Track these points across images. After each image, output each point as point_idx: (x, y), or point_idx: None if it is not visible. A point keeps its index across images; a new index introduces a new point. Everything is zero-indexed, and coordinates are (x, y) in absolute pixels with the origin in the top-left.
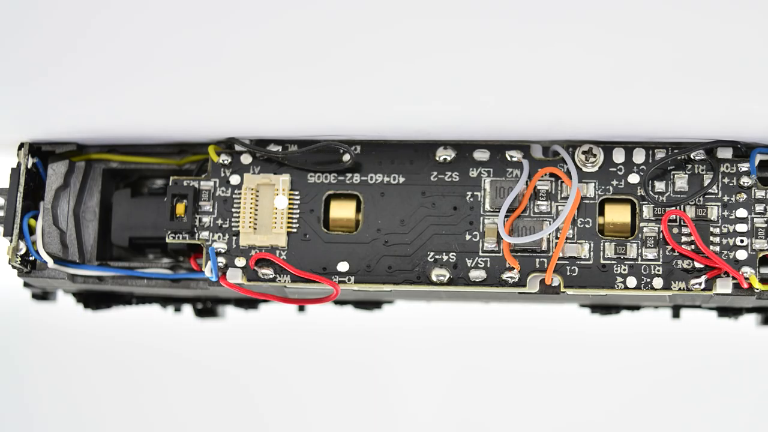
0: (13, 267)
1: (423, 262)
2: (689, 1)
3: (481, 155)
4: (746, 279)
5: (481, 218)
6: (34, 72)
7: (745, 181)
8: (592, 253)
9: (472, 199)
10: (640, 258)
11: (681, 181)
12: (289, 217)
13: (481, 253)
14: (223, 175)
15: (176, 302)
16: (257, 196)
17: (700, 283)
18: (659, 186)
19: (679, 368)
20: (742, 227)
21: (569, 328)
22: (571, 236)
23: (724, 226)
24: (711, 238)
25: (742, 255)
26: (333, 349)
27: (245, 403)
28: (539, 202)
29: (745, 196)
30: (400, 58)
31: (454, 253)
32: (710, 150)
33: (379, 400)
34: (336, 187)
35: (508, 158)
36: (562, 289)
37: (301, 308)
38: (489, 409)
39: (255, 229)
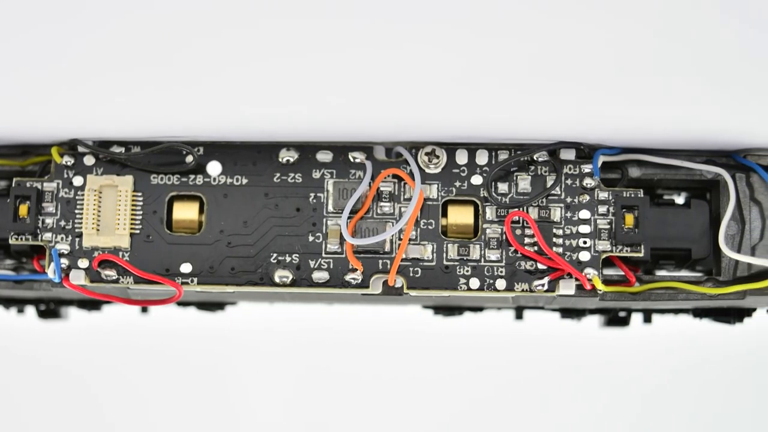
0: None
1: (266, 264)
2: (537, 1)
3: (324, 156)
4: (589, 280)
5: (324, 219)
6: None
7: (588, 182)
8: (435, 254)
9: (315, 201)
10: (483, 259)
11: (524, 183)
12: (132, 219)
13: (324, 255)
14: (66, 176)
15: (19, 303)
16: (100, 197)
17: (543, 285)
18: (502, 187)
19: (523, 369)
20: (585, 228)
21: (413, 330)
22: (414, 237)
23: (567, 228)
24: (554, 240)
25: (585, 256)
26: (176, 350)
27: (88, 404)
28: (382, 204)
29: (588, 198)
30: (242, 60)
31: (297, 255)
32: (553, 151)
33: (222, 402)
34: (179, 189)
35: (351, 159)
36: (405, 291)
37: (144, 309)
38: (332, 411)
39: (98, 230)
